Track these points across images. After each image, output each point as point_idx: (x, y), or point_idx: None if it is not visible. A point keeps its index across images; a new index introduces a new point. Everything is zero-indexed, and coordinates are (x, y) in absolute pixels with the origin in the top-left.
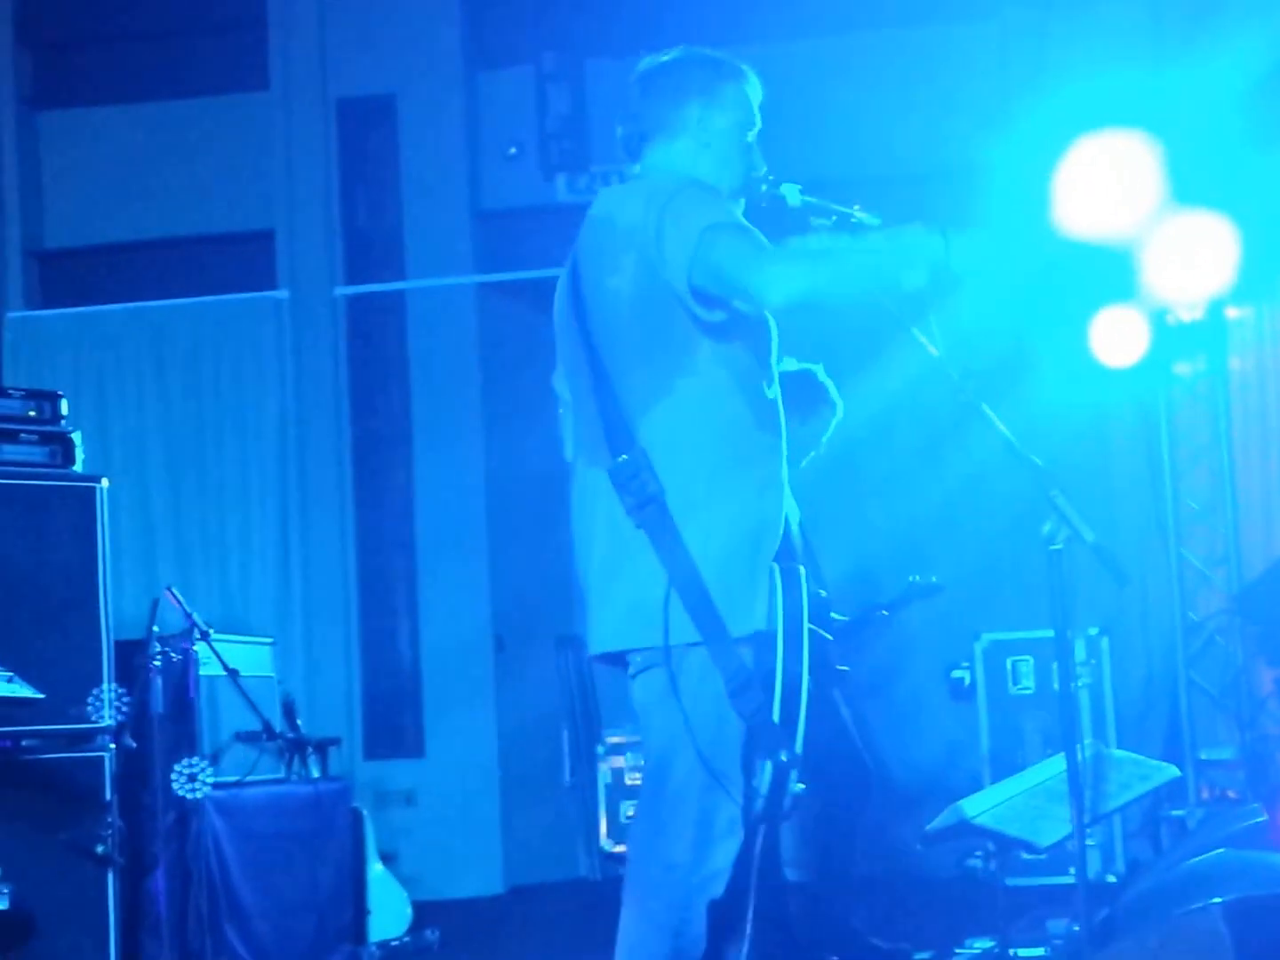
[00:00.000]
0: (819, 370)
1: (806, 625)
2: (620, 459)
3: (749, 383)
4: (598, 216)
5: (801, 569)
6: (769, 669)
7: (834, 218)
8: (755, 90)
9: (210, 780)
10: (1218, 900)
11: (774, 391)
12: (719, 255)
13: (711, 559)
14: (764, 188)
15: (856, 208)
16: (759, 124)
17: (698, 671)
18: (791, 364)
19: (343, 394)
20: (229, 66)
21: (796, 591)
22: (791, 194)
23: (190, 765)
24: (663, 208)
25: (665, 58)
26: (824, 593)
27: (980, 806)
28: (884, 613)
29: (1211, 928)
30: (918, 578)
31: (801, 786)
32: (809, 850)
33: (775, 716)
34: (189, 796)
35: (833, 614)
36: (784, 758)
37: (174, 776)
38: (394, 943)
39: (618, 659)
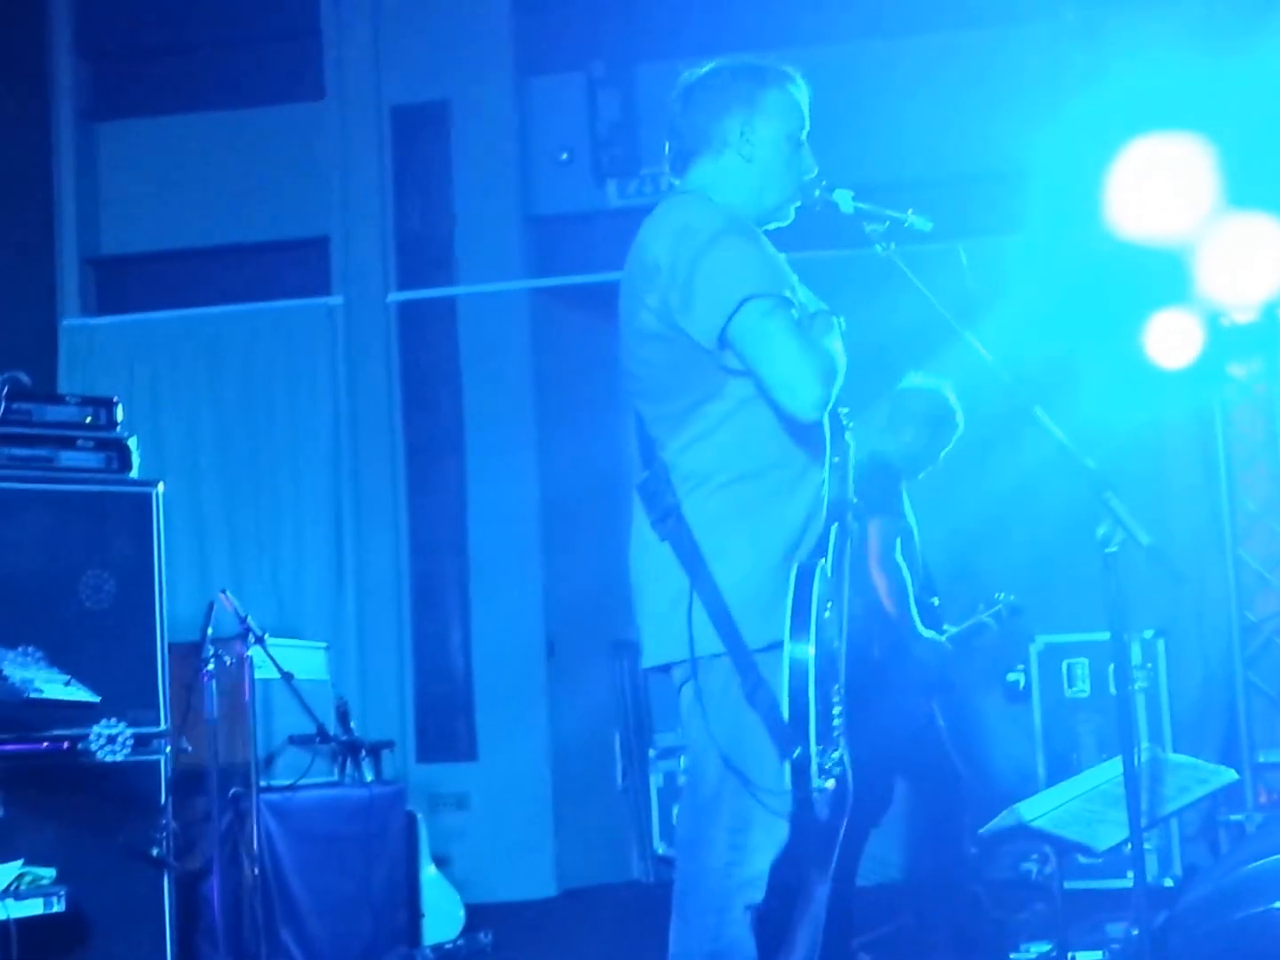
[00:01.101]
0: (947, 388)
1: (814, 622)
2: (645, 474)
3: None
4: (637, 242)
5: (820, 565)
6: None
7: (887, 223)
8: (802, 92)
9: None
10: (1278, 905)
11: None
12: (762, 355)
13: (733, 570)
14: (817, 193)
15: (910, 212)
16: (808, 125)
17: (721, 680)
18: (917, 379)
19: (395, 399)
20: (284, 76)
21: (807, 590)
22: (844, 200)
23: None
24: (695, 259)
25: (703, 71)
26: (936, 601)
27: (1037, 810)
28: (992, 624)
29: (1270, 933)
30: (1005, 595)
31: (830, 784)
32: (910, 856)
33: (785, 715)
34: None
35: (946, 625)
36: (796, 754)
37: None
38: (447, 945)
39: (666, 670)
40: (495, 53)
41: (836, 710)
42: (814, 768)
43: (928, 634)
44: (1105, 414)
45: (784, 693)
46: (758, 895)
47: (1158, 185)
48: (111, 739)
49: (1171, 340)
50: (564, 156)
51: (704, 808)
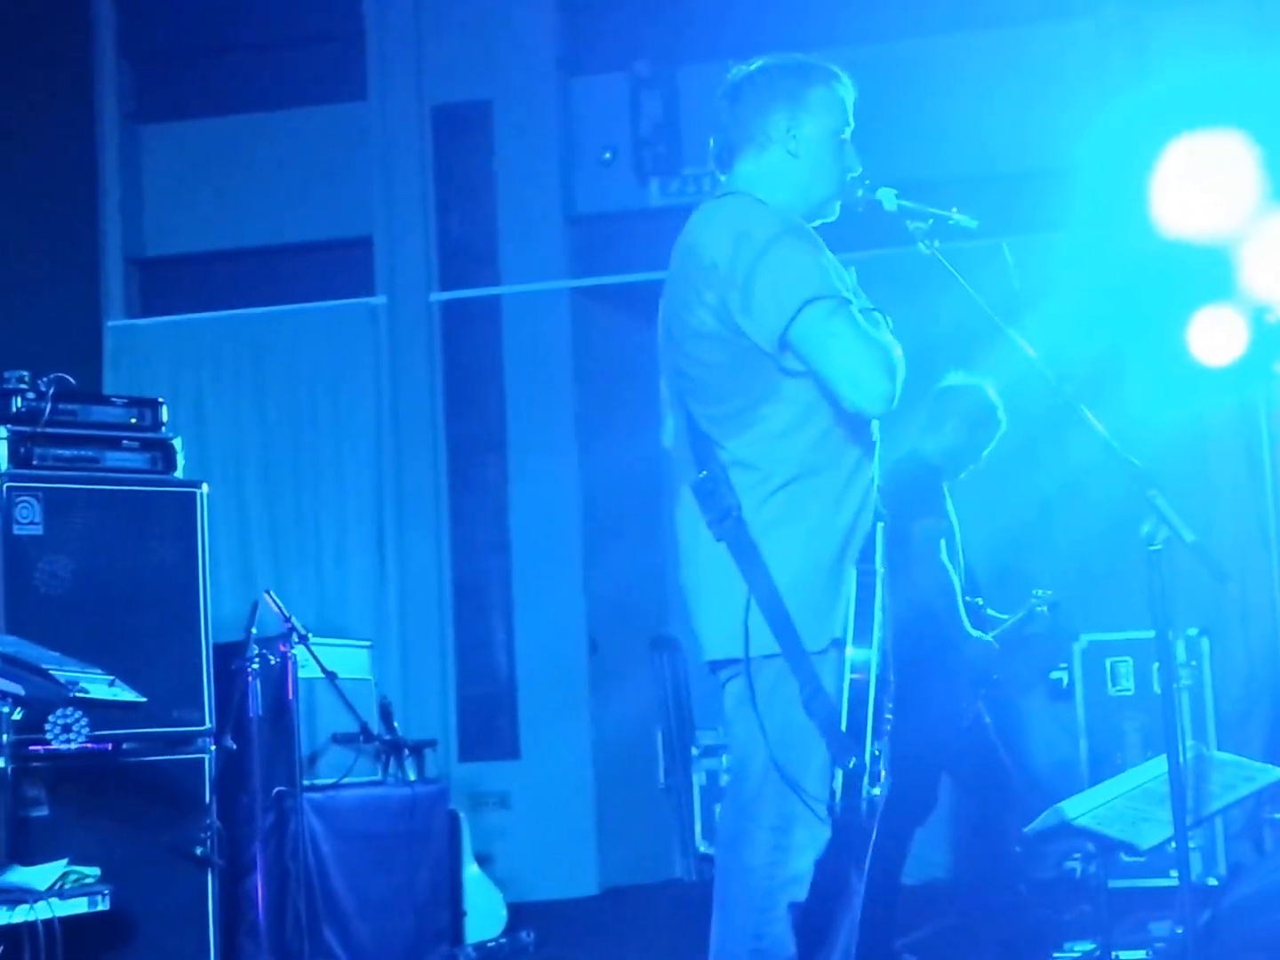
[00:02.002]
0: (988, 386)
1: (879, 631)
2: (701, 474)
3: (835, 401)
4: (686, 243)
5: (880, 573)
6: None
7: (930, 221)
8: (848, 90)
9: (85, 730)
10: None
11: None
12: (827, 353)
13: (789, 571)
14: (860, 192)
15: (954, 210)
16: (853, 124)
17: (773, 680)
18: (958, 377)
19: (438, 398)
20: (327, 77)
21: (870, 596)
22: (888, 198)
23: (65, 715)
24: (754, 262)
25: (751, 68)
26: (980, 600)
27: (1081, 808)
28: (1044, 609)
29: None
30: (1043, 591)
31: (878, 792)
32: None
33: (843, 725)
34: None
35: (990, 611)
36: (852, 764)
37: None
38: (490, 944)
39: (718, 666)
40: (538, 53)
41: (889, 716)
42: (867, 777)
43: (975, 634)
44: (1150, 412)
45: (844, 701)
46: (800, 894)
47: (1202, 182)
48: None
49: (1216, 337)
50: (607, 156)
51: (747, 806)
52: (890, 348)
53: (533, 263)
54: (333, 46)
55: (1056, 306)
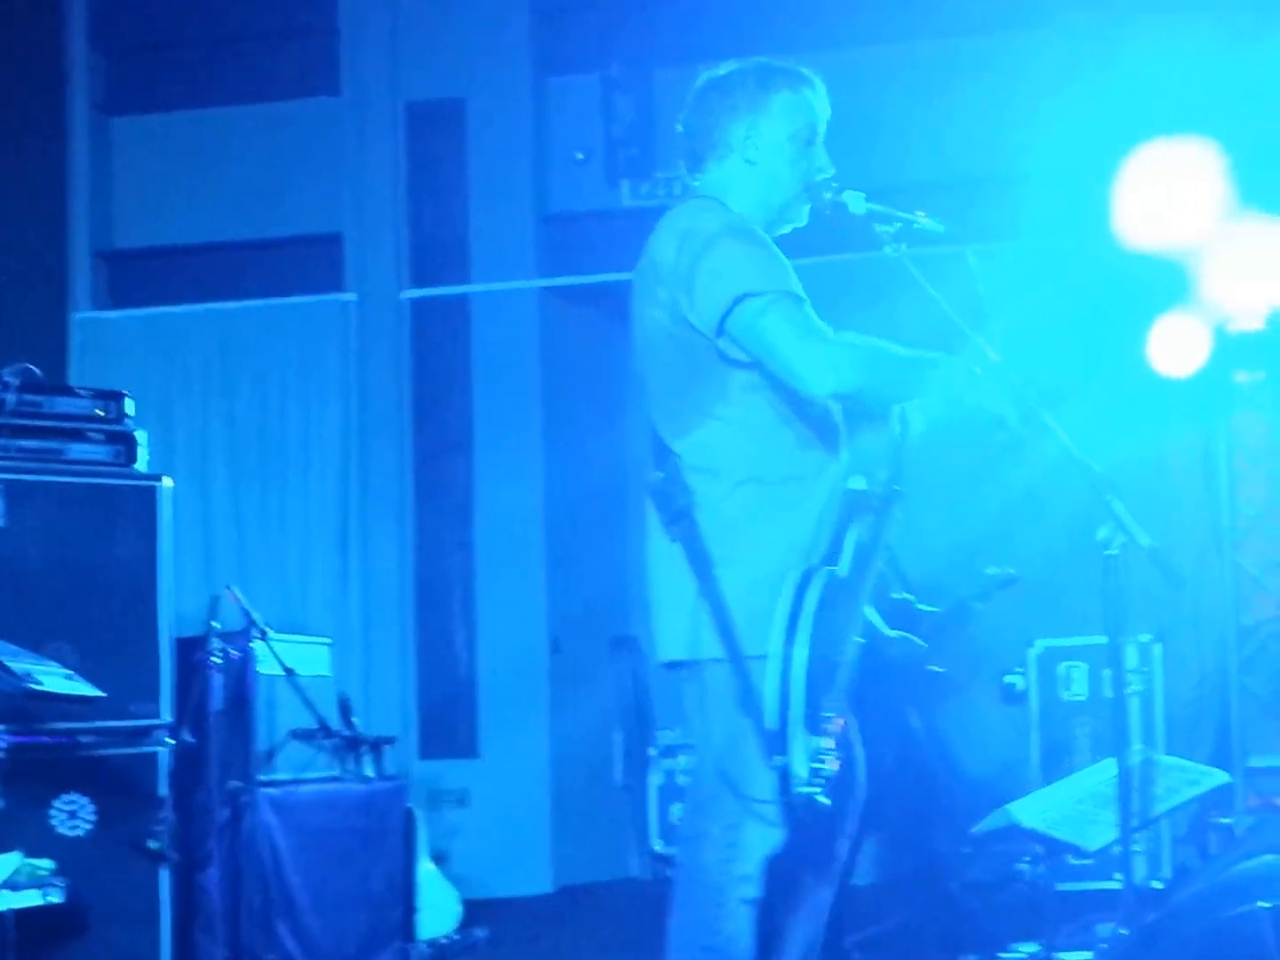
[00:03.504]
0: None
1: (807, 628)
2: (658, 475)
3: (789, 403)
4: (648, 244)
5: (822, 573)
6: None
7: (897, 225)
8: (816, 93)
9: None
10: (1264, 905)
11: (818, 408)
12: (769, 334)
13: (740, 575)
14: (828, 195)
15: (920, 214)
16: (822, 126)
17: (720, 684)
18: None
19: (406, 396)
20: (300, 71)
21: (801, 595)
22: (855, 201)
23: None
24: (696, 258)
25: (716, 74)
26: (910, 596)
27: (1028, 810)
28: (973, 601)
29: (1257, 932)
30: (996, 569)
31: (816, 791)
32: (886, 856)
33: (773, 723)
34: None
35: (920, 605)
36: (777, 762)
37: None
38: (443, 940)
39: (676, 666)
40: (512, 52)
41: (829, 714)
42: (797, 776)
43: (893, 632)
44: (1110, 420)
45: (772, 698)
46: (752, 892)
47: (1165, 191)
48: (72, 814)
49: (1176, 348)
50: (579, 156)
51: (703, 805)
52: (849, 342)
53: (503, 261)
54: (307, 41)
55: (1019, 313)
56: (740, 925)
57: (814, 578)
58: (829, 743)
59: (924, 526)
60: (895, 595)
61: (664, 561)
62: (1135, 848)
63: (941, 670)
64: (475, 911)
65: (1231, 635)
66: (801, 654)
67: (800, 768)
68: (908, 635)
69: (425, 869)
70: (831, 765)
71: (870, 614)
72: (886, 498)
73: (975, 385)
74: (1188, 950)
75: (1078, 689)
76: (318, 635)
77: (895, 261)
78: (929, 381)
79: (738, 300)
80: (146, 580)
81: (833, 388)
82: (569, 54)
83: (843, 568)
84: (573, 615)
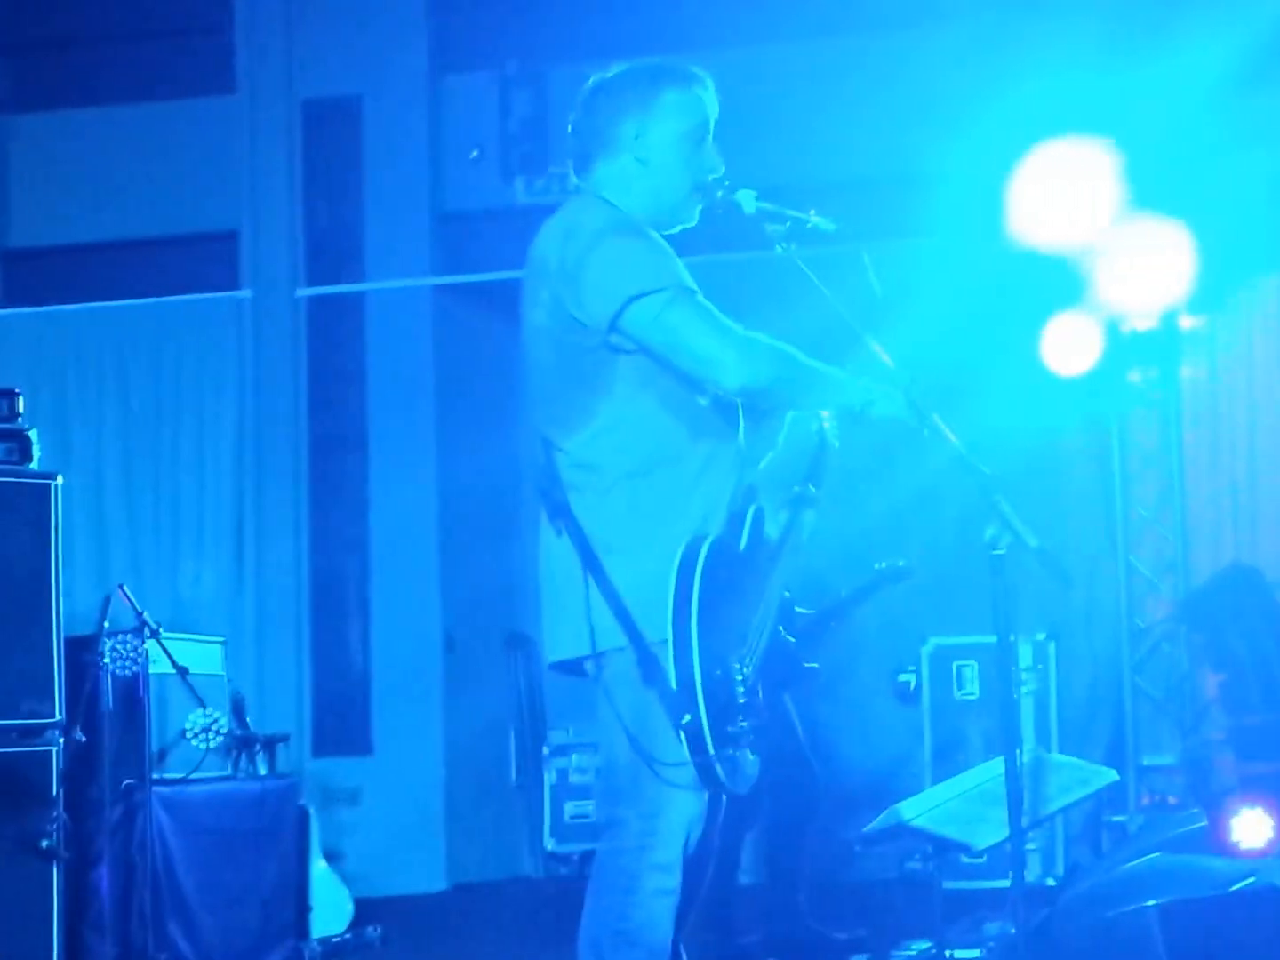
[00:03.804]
0: None
1: (696, 595)
2: (540, 473)
3: (676, 396)
4: (534, 244)
5: (709, 538)
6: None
7: (788, 223)
8: (708, 92)
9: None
10: (1152, 903)
11: (708, 399)
12: (678, 329)
13: (630, 564)
14: (720, 194)
15: (812, 213)
16: (712, 125)
17: (626, 672)
18: None
19: (301, 394)
20: (196, 70)
21: (691, 565)
22: (747, 200)
23: (206, 715)
24: (582, 255)
25: (608, 75)
26: (786, 593)
27: (918, 809)
28: (848, 599)
29: (1144, 929)
30: (884, 564)
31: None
32: (759, 854)
33: (673, 684)
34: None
35: (798, 608)
36: (687, 720)
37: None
38: (335, 939)
39: (570, 667)
40: (409, 49)
41: (740, 679)
42: (706, 733)
43: None
44: (1003, 419)
45: (669, 662)
46: (668, 881)
47: (1060, 191)
48: (206, 729)
49: (1070, 346)
50: (474, 154)
51: (620, 793)
52: (753, 337)
53: (399, 259)
54: (202, 40)
55: (917, 312)
56: (654, 914)
57: (701, 544)
58: (739, 707)
59: (816, 525)
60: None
61: (554, 559)
62: (1029, 846)
63: (815, 666)
64: (370, 910)
65: (1125, 635)
66: (694, 617)
67: (707, 726)
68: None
69: (318, 867)
70: (745, 729)
71: None
72: (802, 499)
73: (877, 401)
74: (1076, 948)
75: (970, 687)
76: (213, 633)
77: (788, 261)
78: (835, 394)
79: (634, 298)
80: (39, 578)
81: (746, 379)
82: (464, 51)
83: (741, 542)
84: (467, 613)
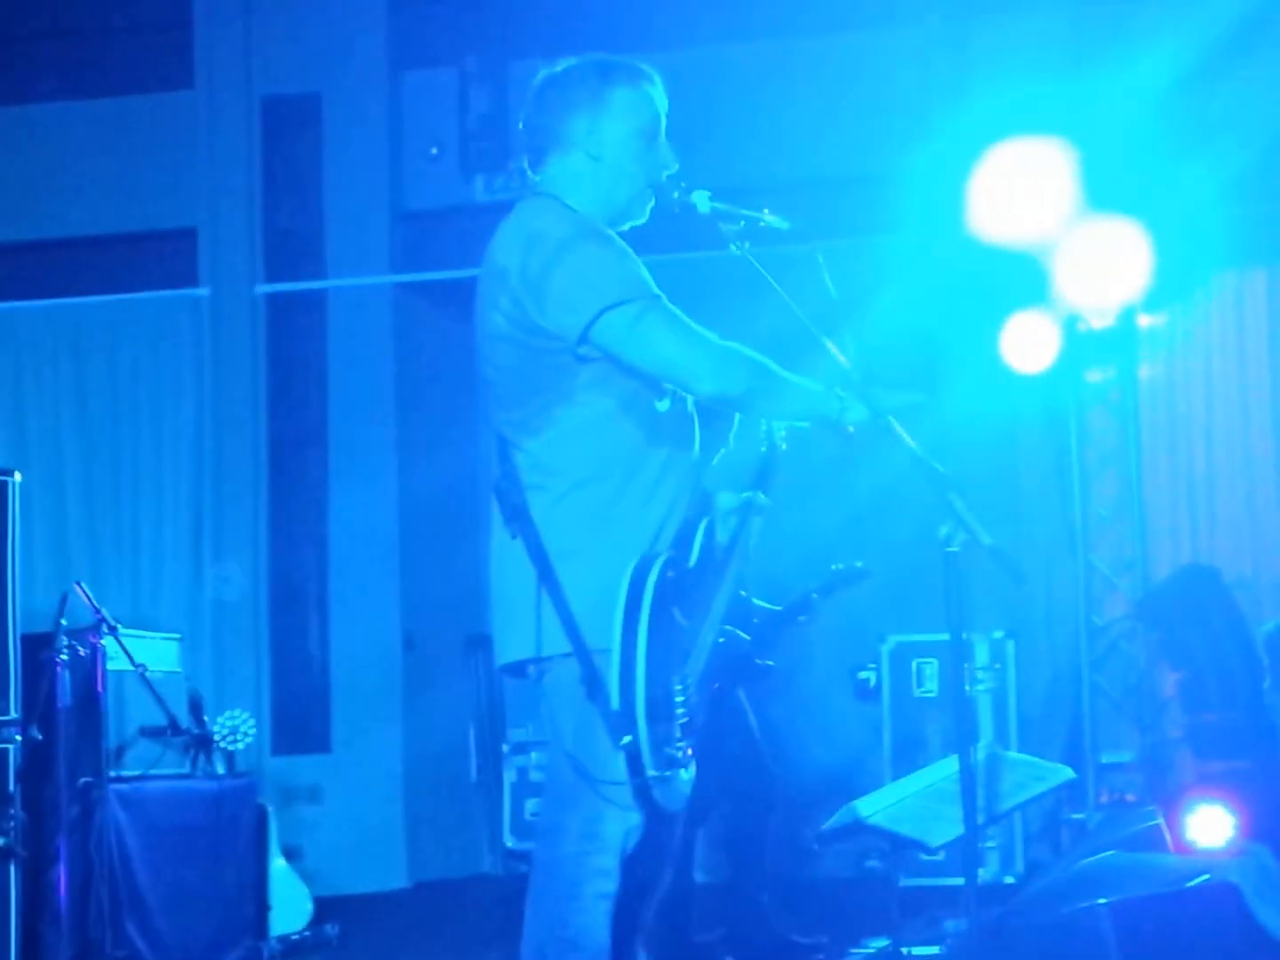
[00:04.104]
0: None
1: (645, 613)
2: (497, 474)
3: (636, 401)
4: (490, 246)
5: (660, 558)
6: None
7: (742, 223)
8: (657, 89)
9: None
10: (1103, 901)
11: (667, 404)
12: (652, 339)
13: (580, 572)
14: (675, 195)
15: (765, 212)
16: (664, 121)
17: (568, 679)
18: None
19: (260, 392)
20: (154, 65)
21: (640, 583)
22: (701, 200)
23: (233, 717)
24: (547, 264)
25: (556, 70)
26: (743, 592)
27: (874, 806)
28: (814, 595)
29: (1096, 927)
30: (841, 565)
31: (666, 774)
32: (718, 853)
33: (615, 704)
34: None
35: (757, 600)
36: (626, 742)
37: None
38: (294, 937)
39: (518, 669)
40: (368, 46)
41: (679, 699)
42: (646, 755)
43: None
44: (962, 417)
45: (614, 682)
46: (608, 886)
47: (1018, 190)
48: (234, 730)
49: (1028, 344)
50: (434, 151)
51: (561, 798)
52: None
53: (359, 257)
54: (161, 35)
55: (878, 311)
56: (595, 919)
57: (652, 564)
58: (679, 728)
59: (773, 524)
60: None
61: (506, 560)
62: (989, 844)
63: (771, 664)
64: (330, 908)
65: (1083, 634)
66: (642, 639)
67: (647, 749)
68: (732, 629)
69: (277, 865)
70: (682, 749)
71: None
72: (750, 507)
73: (850, 410)
74: (1030, 945)
75: (929, 685)
76: (171, 630)
77: (744, 260)
78: (809, 406)
79: (605, 310)
80: None
81: (720, 387)
82: (423, 48)
83: (691, 558)
84: (426, 612)
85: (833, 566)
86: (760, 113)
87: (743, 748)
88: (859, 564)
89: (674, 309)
